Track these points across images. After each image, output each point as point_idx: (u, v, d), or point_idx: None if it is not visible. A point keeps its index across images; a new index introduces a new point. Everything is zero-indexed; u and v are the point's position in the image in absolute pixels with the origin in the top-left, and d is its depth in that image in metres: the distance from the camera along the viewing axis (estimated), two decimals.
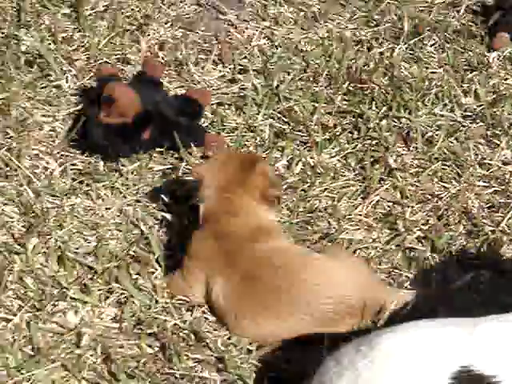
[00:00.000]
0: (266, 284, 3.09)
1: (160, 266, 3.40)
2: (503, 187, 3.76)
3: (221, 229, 3.23)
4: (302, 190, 3.78)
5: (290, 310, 3.06)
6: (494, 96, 4.26)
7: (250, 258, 3.15)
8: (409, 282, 3.35)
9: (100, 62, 4.49)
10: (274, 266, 3.12)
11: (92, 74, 4.37)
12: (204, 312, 3.24)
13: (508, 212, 3.61)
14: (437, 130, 4.05)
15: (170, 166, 3.89)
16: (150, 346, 3.11)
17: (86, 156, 3.95)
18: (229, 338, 3.13)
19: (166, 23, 4.80)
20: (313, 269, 3.12)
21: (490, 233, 3.53)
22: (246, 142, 4.02)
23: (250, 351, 3.07)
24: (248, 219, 3.25)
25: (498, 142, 4.00)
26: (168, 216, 3.64)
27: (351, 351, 2.51)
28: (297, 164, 3.90)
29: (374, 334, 2.63)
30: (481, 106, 4.20)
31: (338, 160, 3.94)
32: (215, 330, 3.16)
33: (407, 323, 2.66)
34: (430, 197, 3.75)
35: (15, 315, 3.21)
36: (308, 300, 3.04)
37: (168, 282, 3.31)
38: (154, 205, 3.72)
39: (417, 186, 3.78)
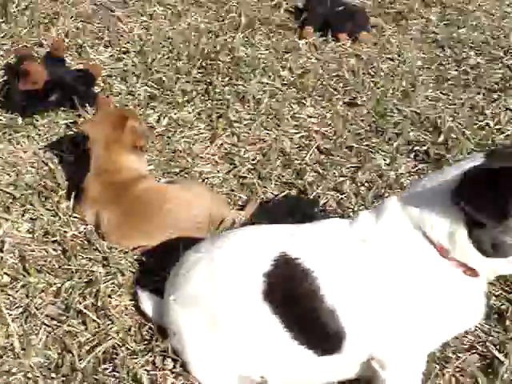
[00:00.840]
0: (139, 214, 3.03)
1: (62, 193, 3.31)
2: (307, 133, 3.75)
3: (105, 176, 3.14)
4: (168, 136, 3.71)
5: (158, 230, 3.01)
6: (302, 70, 4.23)
7: (128, 197, 3.07)
8: (241, 202, 3.31)
9: (21, 45, 4.31)
10: (144, 201, 3.06)
11: (13, 53, 4.19)
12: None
13: (309, 150, 3.59)
14: (263, 94, 4.00)
15: (72, 121, 3.78)
16: (54, 250, 3.03)
17: (9, 113, 3.80)
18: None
19: (70, 18, 4.66)
20: (173, 200, 3.06)
21: (298, 164, 3.50)
22: (128, 103, 3.92)
23: (126, 252, 3.00)
24: (125, 168, 3.17)
25: (305, 102, 3.97)
26: (69, 157, 3.54)
27: (207, 244, 2.49)
28: (164, 118, 3.82)
29: (224, 233, 2.62)
30: (293, 77, 4.18)
31: (194, 115, 3.86)
32: (103, 237, 3.07)
33: (248, 226, 2.70)
34: (258, 140, 3.70)
35: None
36: (170, 223, 3.01)
37: (73, 205, 3.20)
38: (60, 149, 3.59)
39: (249, 133, 3.73)
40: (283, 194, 3.36)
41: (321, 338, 2.25)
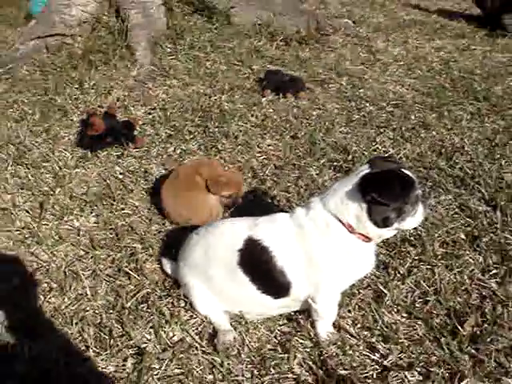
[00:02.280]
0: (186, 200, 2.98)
1: (116, 198, 3.27)
2: (267, 156, 3.70)
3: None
4: (180, 160, 3.65)
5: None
6: (264, 116, 4.18)
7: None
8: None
9: (90, 107, 4.26)
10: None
11: (85, 113, 4.12)
12: (139, 217, 3.13)
13: (268, 167, 3.56)
14: (239, 132, 3.95)
15: (120, 153, 3.74)
16: (110, 234, 3.00)
17: (82, 150, 3.77)
18: (148, 228, 3.02)
19: (120, 88, 4.59)
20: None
21: (261, 176, 3.48)
22: (155, 141, 3.87)
23: (155, 234, 2.98)
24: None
25: (265, 137, 3.93)
26: (120, 176, 3.50)
27: (204, 229, 2.48)
28: (177, 149, 3.77)
29: (213, 223, 2.57)
30: (258, 121, 4.13)
31: (196, 147, 3.81)
32: (140, 225, 3.06)
33: (230, 218, 2.73)
34: (236, 162, 3.64)
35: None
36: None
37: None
38: (113, 171, 3.56)
39: (230, 157, 3.68)
40: (253, 194, 3.32)
41: (276, 288, 2.27)
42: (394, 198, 2.04)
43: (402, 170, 2.11)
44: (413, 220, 2.13)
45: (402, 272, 2.66)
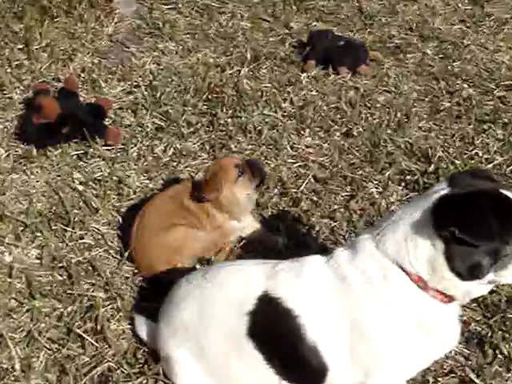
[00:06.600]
0: None
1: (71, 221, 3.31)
2: (305, 163, 3.72)
3: None
4: (173, 166, 3.70)
5: None
6: (303, 102, 4.20)
7: None
8: None
9: (40, 80, 4.33)
10: None
11: (32, 88, 4.21)
12: (106, 251, 3.18)
13: (306, 179, 3.57)
14: (264, 125, 3.97)
15: (82, 151, 3.78)
16: (60, 275, 3.05)
17: (25, 145, 3.81)
18: (117, 268, 3.06)
19: (88, 53, 4.66)
20: None
21: (293, 193, 3.48)
22: (136, 135, 3.91)
23: (127, 278, 3.02)
24: None
25: (303, 133, 3.94)
26: (79, 187, 3.55)
27: (198, 276, 2.49)
28: (170, 149, 3.81)
29: (214, 267, 2.63)
30: (294, 108, 4.15)
31: (198, 146, 3.85)
32: (106, 264, 3.09)
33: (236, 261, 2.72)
34: None
35: None
36: None
37: None
38: (70, 178, 3.61)
39: None
40: (279, 221, 3.32)
41: (304, 373, 2.25)
42: (486, 234, 1.98)
43: (502, 191, 2.08)
44: None
45: (505, 352, 2.63)
